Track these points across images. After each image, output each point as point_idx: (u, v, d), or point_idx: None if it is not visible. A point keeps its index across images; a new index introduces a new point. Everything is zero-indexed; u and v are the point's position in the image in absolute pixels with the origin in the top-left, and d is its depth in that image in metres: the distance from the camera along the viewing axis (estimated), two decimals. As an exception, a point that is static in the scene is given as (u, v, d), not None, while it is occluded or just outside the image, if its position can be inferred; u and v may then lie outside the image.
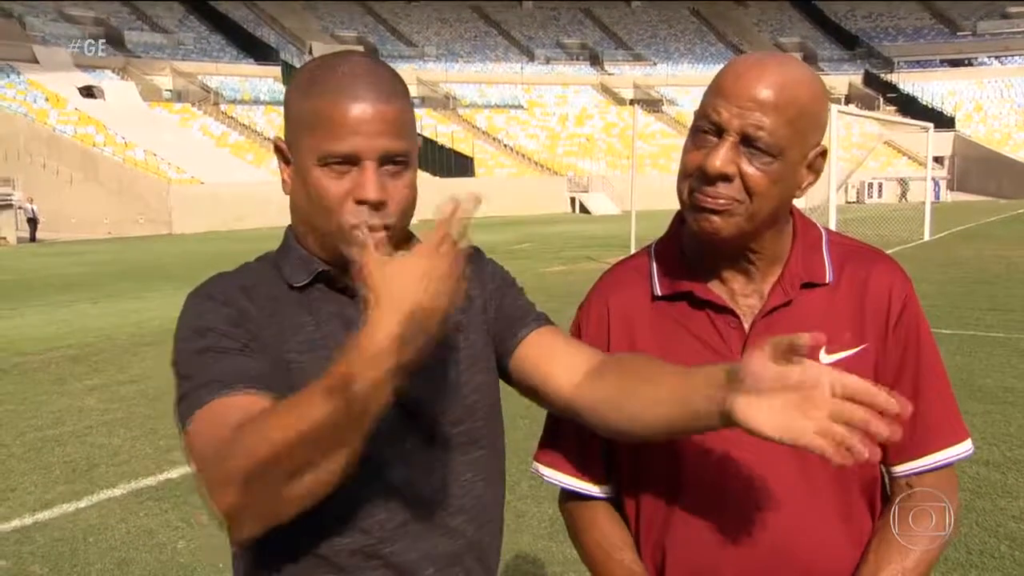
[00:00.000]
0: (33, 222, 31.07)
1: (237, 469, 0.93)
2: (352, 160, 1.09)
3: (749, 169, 1.15)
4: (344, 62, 1.13)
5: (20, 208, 31.48)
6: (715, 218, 1.18)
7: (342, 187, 1.10)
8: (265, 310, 1.15)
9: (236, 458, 0.93)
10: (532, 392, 1.25)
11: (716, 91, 1.17)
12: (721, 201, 1.17)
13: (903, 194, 47.55)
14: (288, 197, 1.19)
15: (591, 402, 1.17)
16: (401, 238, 1.18)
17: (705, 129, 1.18)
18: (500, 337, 1.26)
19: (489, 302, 1.26)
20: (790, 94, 1.14)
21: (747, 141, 1.15)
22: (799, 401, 0.95)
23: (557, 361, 1.21)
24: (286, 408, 0.93)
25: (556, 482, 1.37)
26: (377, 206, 1.10)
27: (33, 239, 30.84)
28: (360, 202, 1.10)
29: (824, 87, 1.21)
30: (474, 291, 1.26)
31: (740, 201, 1.17)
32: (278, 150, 1.18)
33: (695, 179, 1.19)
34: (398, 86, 1.14)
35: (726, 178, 1.16)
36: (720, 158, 1.15)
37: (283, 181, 1.18)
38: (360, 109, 1.09)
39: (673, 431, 1.12)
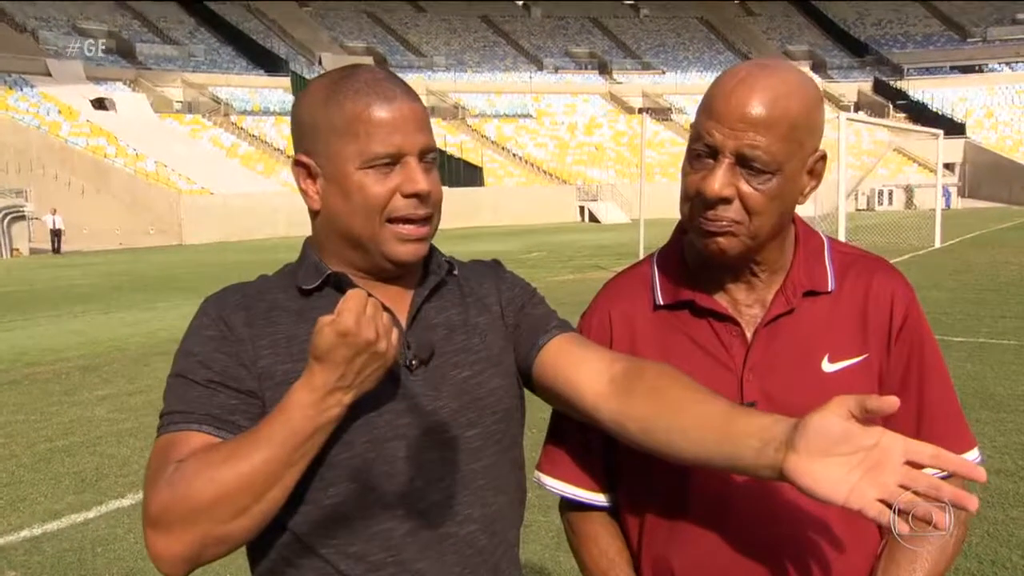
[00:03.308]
0: (57, 234, 31.15)
1: (181, 509, 1.00)
2: (395, 159, 1.13)
3: (747, 189, 1.15)
4: (361, 69, 1.17)
5: (35, 219, 31.61)
6: (720, 240, 1.18)
7: (388, 186, 1.13)
8: (259, 323, 1.15)
9: (181, 498, 1.00)
10: (555, 399, 1.25)
11: (707, 112, 1.16)
12: (723, 223, 1.17)
13: (908, 201, 47.44)
14: (308, 211, 1.20)
15: (614, 415, 1.16)
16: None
17: (700, 152, 1.17)
18: (522, 345, 1.25)
19: (507, 309, 1.27)
20: (782, 108, 1.13)
21: (743, 161, 1.14)
22: (867, 467, 0.93)
23: (579, 367, 1.20)
24: (228, 452, 1.02)
25: (557, 491, 1.36)
26: (424, 198, 1.14)
27: (57, 251, 30.87)
28: (409, 196, 1.13)
29: (817, 90, 1.19)
30: (490, 298, 1.26)
31: (740, 222, 1.17)
32: (301, 165, 1.18)
33: (696, 202, 1.19)
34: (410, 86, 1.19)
35: (725, 200, 1.16)
36: (718, 181, 1.15)
37: (309, 197, 1.17)
38: (397, 108, 1.13)
39: (703, 465, 1.11)
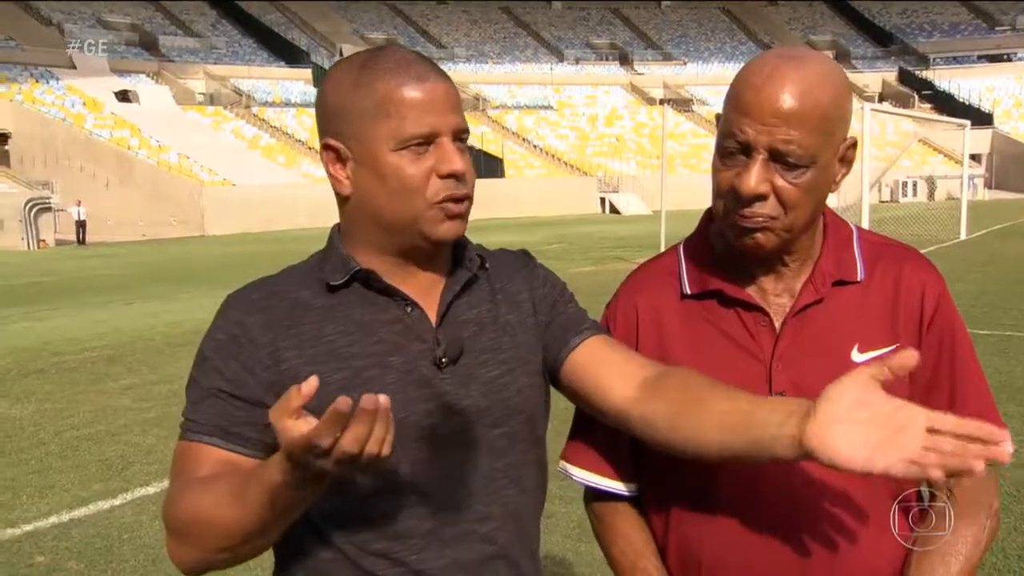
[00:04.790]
0: (82, 225, 31.52)
1: (179, 532, 1.06)
2: (430, 139, 1.11)
3: (782, 183, 1.14)
4: (388, 49, 1.15)
5: (61, 211, 32.01)
6: (757, 235, 1.17)
7: (423, 167, 1.10)
8: (283, 324, 1.13)
9: (178, 524, 1.06)
10: (583, 400, 1.23)
11: (737, 108, 1.14)
12: (759, 220, 1.16)
13: (931, 193, 47.04)
14: (336, 197, 1.17)
15: (644, 416, 1.15)
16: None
17: (732, 149, 1.16)
18: (551, 343, 1.23)
19: (539, 305, 1.25)
20: (813, 100, 1.11)
21: (777, 156, 1.13)
22: (888, 431, 0.93)
23: (610, 371, 1.19)
24: (217, 498, 1.02)
25: (583, 480, 1.36)
26: (461, 177, 1.12)
27: (82, 242, 31.24)
28: (446, 176, 1.11)
29: (845, 77, 1.18)
30: (522, 294, 1.24)
31: (776, 217, 1.16)
32: (330, 149, 1.15)
33: (730, 199, 1.18)
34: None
35: (761, 197, 1.14)
36: (753, 178, 1.13)
37: (338, 181, 1.15)
38: (431, 88, 1.10)
39: (730, 456, 1.09)
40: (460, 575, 1.13)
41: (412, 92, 1.09)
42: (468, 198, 1.15)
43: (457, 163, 1.11)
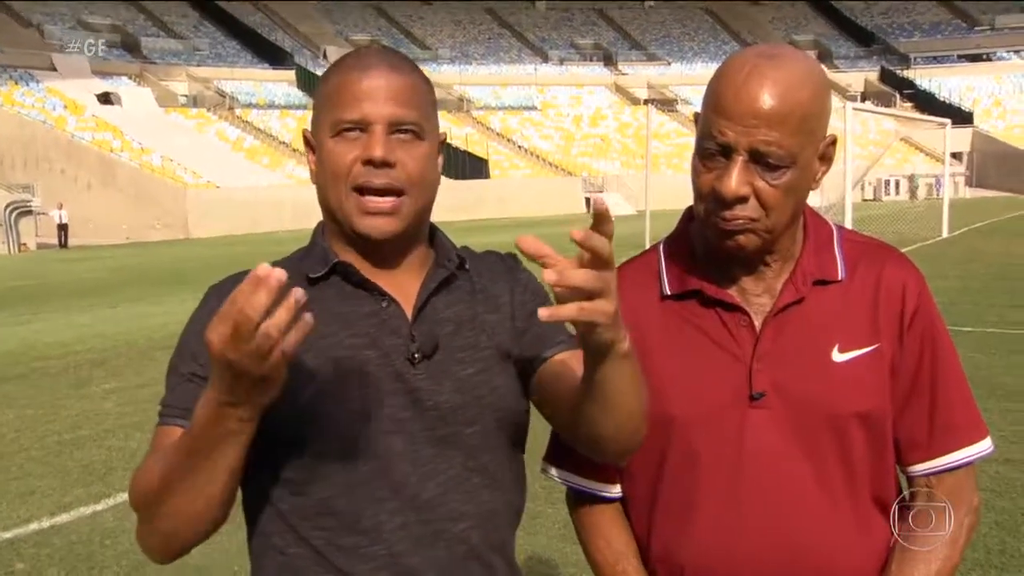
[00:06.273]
0: (63, 228, 31.26)
1: (136, 506, 1.09)
2: (362, 126, 1.13)
3: (762, 185, 1.14)
4: (364, 47, 1.24)
5: (43, 214, 31.73)
6: (739, 237, 1.17)
7: (352, 153, 1.13)
8: None
9: (134, 496, 1.09)
10: (546, 415, 1.22)
11: (716, 109, 1.14)
12: (740, 221, 1.16)
13: (912, 191, 47.54)
14: (316, 190, 1.22)
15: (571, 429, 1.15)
16: (420, 222, 1.19)
17: (712, 150, 1.15)
18: (526, 352, 1.22)
19: (518, 310, 1.24)
20: (793, 100, 1.11)
21: (757, 157, 1.12)
22: None
23: (571, 388, 1.16)
24: (160, 456, 1.05)
25: (565, 482, 1.35)
26: (381, 165, 1.12)
27: (64, 245, 30.99)
28: (367, 163, 1.12)
29: (824, 74, 1.18)
30: (503, 298, 1.24)
31: (757, 219, 1.16)
32: (306, 141, 1.23)
33: (711, 202, 1.17)
34: (410, 64, 1.19)
35: (742, 199, 1.14)
36: (734, 180, 1.13)
37: (311, 171, 1.21)
38: (369, 77, 1.14)
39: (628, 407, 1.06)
40: (432, 574, 1.12)
41: (352, 81, 1.14)
42: (393, 191, 1.13)
43: (376, 150, 1.11)
